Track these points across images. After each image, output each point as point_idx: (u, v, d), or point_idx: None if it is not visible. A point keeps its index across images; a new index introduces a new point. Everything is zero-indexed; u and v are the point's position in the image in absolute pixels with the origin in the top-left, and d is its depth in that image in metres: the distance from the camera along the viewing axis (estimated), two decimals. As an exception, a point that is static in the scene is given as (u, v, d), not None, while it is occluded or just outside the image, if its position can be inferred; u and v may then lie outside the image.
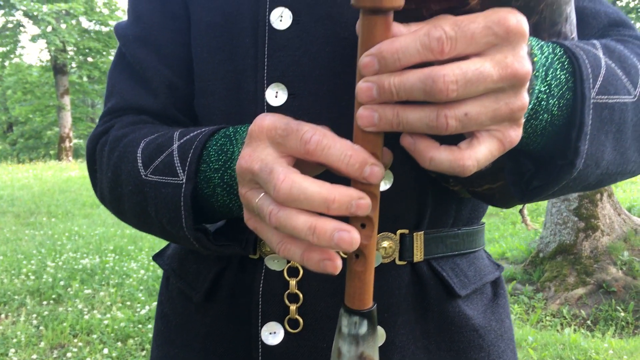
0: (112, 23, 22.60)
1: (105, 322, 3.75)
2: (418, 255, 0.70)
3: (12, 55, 21.83)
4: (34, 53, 33.48)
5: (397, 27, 0.46)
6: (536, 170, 0.59)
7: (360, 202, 0.46)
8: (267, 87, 0.69)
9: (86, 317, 3.84)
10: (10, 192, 8.92)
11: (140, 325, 3.73)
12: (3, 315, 3.95)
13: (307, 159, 0.49)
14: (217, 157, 0.62)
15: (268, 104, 0.69)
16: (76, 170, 12.27)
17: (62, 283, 4.48)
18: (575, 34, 0.62)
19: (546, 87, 0.51)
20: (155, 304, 4.03)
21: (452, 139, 0.47)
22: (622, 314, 4.53)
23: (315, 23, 0.68)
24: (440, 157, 0.45)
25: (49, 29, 18.51)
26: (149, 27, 0.80)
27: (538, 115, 0.52)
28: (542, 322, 4.50)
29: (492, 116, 0.45)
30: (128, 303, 4.19)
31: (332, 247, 0.45)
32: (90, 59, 22.92)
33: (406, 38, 0.43)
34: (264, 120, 0.51)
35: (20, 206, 7.94)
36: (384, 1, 0.42)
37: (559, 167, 0.54)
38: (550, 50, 0.53)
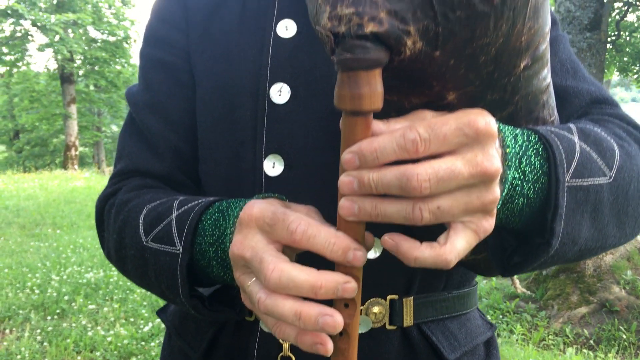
0: (120, 33, 22.76)
1: (109, 338, 3.77)
2: (408, 320, 0.72)
3: (19, 64, 21.95)
4: (41, 61, 33.56)
5: (377, 125, 0.49)
6: (517, 245, 0.61)
7: (346, 286, 0.49)
8: (265, 158, 0.73)
9: (90, 333, 3.86)
10: (16, 202, 8.97)
11: (143, 343, 3.75)
12: (7, 331, 3.98)
13: (293, 246, 0.52)
14: (211, 232, 0.64)
15: (266, 174, 0.73)
16: (81, 181, 12.32)
17: (66, 298, 4.51)
18: (555, 116, 0.65)
19: (520, 173, 0.54)
20: (158, 320, 4.06)
21: (428, 229, 0.51)
22: (625, 334, 4.52)
23: (312, 98, 0.72)
24: (423, 255, 0.48)
25: (57, 38, 18.62)
26: (158, 95, 0.84)
27: (514, 199, 0.54)
28: (545, 340, 4.50)
29: (464, 209, 0.48)
30: (132, 319, 4.21)
31: (317, 330, 0.49)
32: (97, 68, 23.01)
33: (384, 138, 0.46)
34: (253, 209, 0.55)
35: (26, 217, 7.98)
36: (363, 105, 0.46)
37: (537, 246, 0.56)
38: (525, 137, 0.55)
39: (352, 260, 0.49)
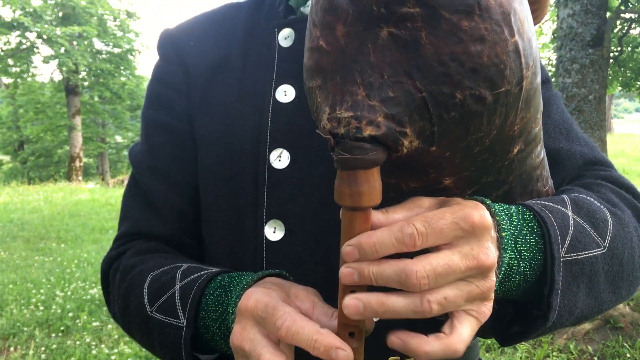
0: (125, 45, 22.89)
1: (113, 357, 3.78)
2: None
3: (25, 75, 22.09)
4: (46, 72, 33.72)
5: (376, 216, 0.51)
6: (515, 314, 0.63)
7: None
8: (265, 224, 0.75)
9: (94, 351, 3.87)
10: (21, 216, 9.00)
11: (146, 361, 3.76)
12: (12, 348, 3.98)
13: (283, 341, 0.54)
14: (214, 308, 0.65)
15: (267, 239, 0.74)
16: (86, 193, 12.35)
17: (70, 314, 4.52)
18: (549, 185, 0.67)
19: (516, 253, 0.55)
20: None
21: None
22: (630, 350, 4.50)
23: (311, 164, 0.74)
24: (433, 349, 0.50)
25: (62, 50, 18.75)
26: (160, 158, 0.86)
27: (510, 277, 0.56)
28: (549, 357, 4.48)
29: (466, 298, 0.49)
30: (135, 336, 4.21)
31: None
32: (101, 80, 23.13)
33: (383, 233, 0.48)
34: (249, 300, 0.57)
35: (31, 231, 8.01)
36: (362, 202, 0.48)
37: (535, 318, 0.58)
38: (520, 216, 0.57)
39: (334, 358, 0.50)
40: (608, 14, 5.44)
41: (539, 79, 0.50)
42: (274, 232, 0.74)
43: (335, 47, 0.45)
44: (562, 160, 0.78)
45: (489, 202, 0.54)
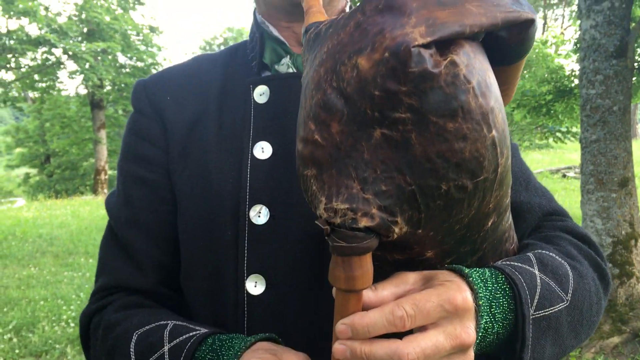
0: (148, 59, 23.23)
1: (142, 374, 3.84)
2: None
3: (51, 91, 22.51)
4: (71, 87, 34.31)
5: (367, 294, 0.55)
6: None
7: None
8: (247, 278, 0.77)
9: (124, 368, 3.94)
10: (50, 231, 9.18)
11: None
12: (45, 366, 4.08)
13: None
14: None
15: (248, 293, 0.77)
16: (112, 207, 12.55)
17: (100, 331, 4.60)
18: (514, 242, 0.72)
19: (490, 317, 0.59)
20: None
21: None
22: (660, 366, 4.45)
23: (290, 220, 0.77)
24: None
25: (87, 65, 19.08)
26: (139, 211, 0.87)
27: (486, 338, 0.60)
28: (578, 372, 4.45)
29: None
30: (164, 353, 4.27)
31: None
32: (125, 94, 23.48)
33: (375, 314, 0.53)
34: None
35: (59, 246, 8.16)
36: (356, 285, 0.52)
37: None
38: (494, 280, 0.62)
39: None
40: (632, 25, 5.41)
41: (510, 160, 0.54)
42: (255, 286, 0.77)
43: (330, 143, 0.49)
44: (524, 213, 0.83)
45: (466, 270, 0.59)
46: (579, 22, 5.82)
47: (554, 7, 40.18)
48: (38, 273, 6.70)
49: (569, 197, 10.76)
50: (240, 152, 0.81)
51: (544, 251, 0.70)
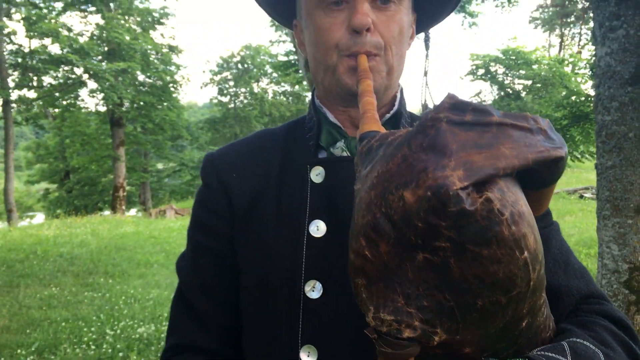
0: (167, 77, 23.54)
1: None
2: None
3: (72, 108, 22.87)
4: (92, 104, 34.73)
5: None
6: None
7: None
8: (300, 348, 0.85)
9: (144, 392, 4.02)
10: (70, 250, 9.33)
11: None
12: (67, 389, 4.17)
13: None
14: None
15: None
16: (130, 225, 12.71)
17: (120, 354, 4.68)
18: (551, 328, 0.76)
19: None
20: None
21: None
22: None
23: (343, 295, 0.84)
24: None
25: (107, 84, 19.39)
26: (207, 279, 0.97)
27: None
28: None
29: None
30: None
31: None
32: (144, 112, 23.79)
33: None
34: None
35: (80, 265, 8.29)
36: None
37: None
38: None
39: None
40: (647, 52, 5.43)
41: (543, 270, 0.59)
42: (307, 355, 0.84)
43: (378, 260, 0.56)
44: (561, 296, 0.86)
45: None
46: (594, 48, 5.85)
47: (571, 26, 40.10)
48: (59, 293, 6.82)
49: (586, 219, 10.71)
50: (297, 229, 0.89)
51: (578, 339, 0.74)
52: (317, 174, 0.91)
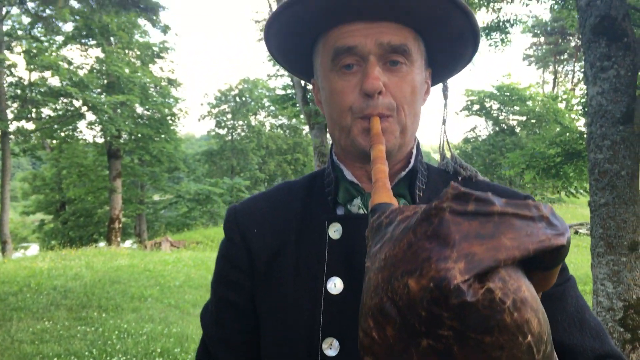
0: (165, 110, 23.72)
1: None
2: None
3: (70, 140, 22.98)
4: (89, 135, 34.82)
5: None
6: None
7: None
8: None
9: None
10: (64, 283, 9.26)
11: None
12: None
13: None
14: None
15: None
16: (125, 258, 12.64)
17: (112, 391, 4.64)
18: None
19: None
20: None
21: None
22: None
23: (358, 352, 0.87)
24: None
25: (105, 117, 19.52)
26: (230, 332, 1.00)
27: None
28: None
29: None
30: (175, 415, 4.30)
31: None
32: (141, 144, 23.90)
33: None
34: None
35: (73, 299, 8.23)
36: None
37: None
38: None
39: None
40: (637, 92, 5.55)
41: (549, 348, 0.59)
42: None
43: (385, 342, 0.57)
44: (576, 356, 0.86)
45: None
46: (585, 87, 5.96)
47: (565, 63, 40.70)
48: (52, 327, 6.76)
49: (581, 255, 10.73)
50: (315, 286, 0.91)
51: None
52: (334, 231, 0.93)
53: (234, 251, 1.01)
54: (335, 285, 0.90)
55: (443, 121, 1.09)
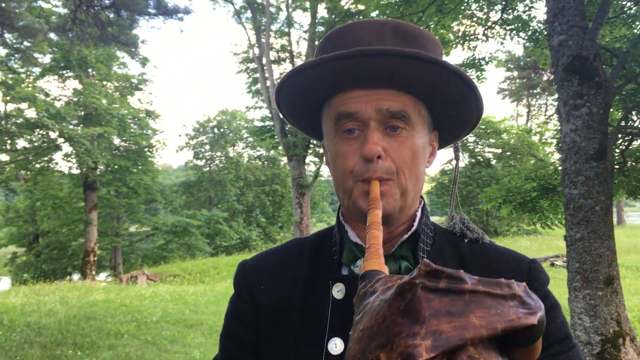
0: (143, 142, 23.61)
1: None
2: None
3: (45, 172, 22.69)
4: (65, 166, 34.42)
5: None
6: None
7: None
8: None
9: None
10: (37, 319, 9.05)
11: None
12: None
13: None
14: None
15: None
16: (101, 293, 12.42)
17: None
18: None
19: None
20: None
21: None
22: None
23: None
24: None
25: (82, 149, 19.37)
26: None
27: None
28: None
29: None
30: None
31: None
32: (118, 175, 23.71)
33: None
34: None
35: (47, 336, 8.03)
36: None
37: None
38: None
39: None
40: (609, 129, 5.70)
41: None
42: None
43: None
44: None
45: None
46: (559, 124, 6.11)
47: (538, 97, 41.62)
48: (25, 366, 6.60)
49: (557, 287, 10.82)
50: (317, 346, 0.93)
51: None
52: (338, 291, 0.96)
53: (242, 308, 1.05)
54: (336, 345, 0.92)
55: (454, 181, 1.12)
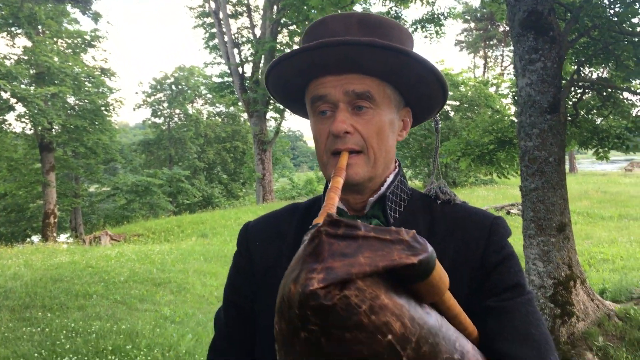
0: (99, 101, 23.06)
1: None
2: None
3: (-2, 134, 22.04)
4: (18, 127, 33.36)
5: None
6: None
7: None
8: None
9: None
10: (3, 283, 8.97)
11: None
12: None
13: None
14: None
15: None
16: (65, 255, 12.34)
17: (67, 391, 4.64)
18: None
19: None
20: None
21: None
22: (600, 401, 4.77)
23: None
24: None
25: (36, 109, 18.84)
26: (232, 330, 1.20)
27: None
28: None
29: None
30: (132, 411, 4.34)
31: None
32: (75, 136, 23.18)
33: None
34: None
35: (15, 299, 8.02)
36: None
37: None
38: None
39: None
40: (563, 82, 5.90)
41: (424, 348, 0.69)
42: None
43: (281, 333, 0.70)
44: None
45: None
46: (515, 79, 6.29)
47: (494, 48, 42.03)
48: (-5, 329, 6.62)
49: (513, 235, 11.23)
50: None
51: None
52: None
53: (241, 262, 1.20)
54: None
55: (435, 152, 1.24)
